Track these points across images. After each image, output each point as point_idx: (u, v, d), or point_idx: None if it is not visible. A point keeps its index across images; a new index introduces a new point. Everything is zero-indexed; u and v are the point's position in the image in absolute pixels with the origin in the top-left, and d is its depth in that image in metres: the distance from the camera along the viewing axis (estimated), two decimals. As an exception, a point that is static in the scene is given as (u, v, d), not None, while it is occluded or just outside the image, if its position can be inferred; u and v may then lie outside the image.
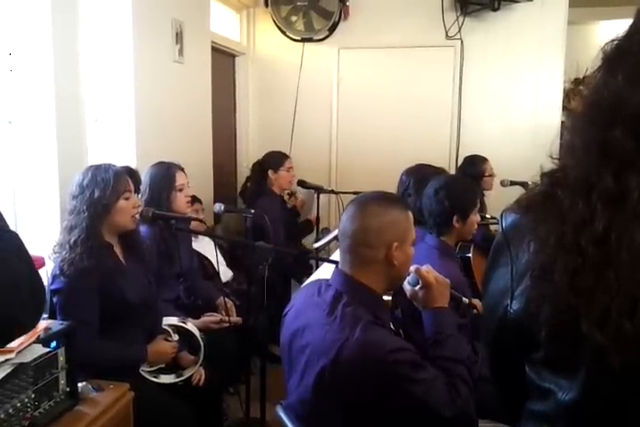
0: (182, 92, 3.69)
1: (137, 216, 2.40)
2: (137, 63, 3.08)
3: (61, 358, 1.76)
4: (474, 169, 4.05)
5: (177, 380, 2.45)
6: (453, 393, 1.51)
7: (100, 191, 2.22)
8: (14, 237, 1.15)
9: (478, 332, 1.89)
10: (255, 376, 2.66)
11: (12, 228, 1.18)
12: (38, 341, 1.67)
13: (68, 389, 1.79)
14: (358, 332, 1.47)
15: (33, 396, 1.64)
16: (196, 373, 2.51)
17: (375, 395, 1.46)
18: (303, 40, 4.91)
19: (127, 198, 2.31)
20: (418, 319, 1.79)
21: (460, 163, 4.48)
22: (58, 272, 2.17)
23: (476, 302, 2.05)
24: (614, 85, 0.81)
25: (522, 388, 0.95)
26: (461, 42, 4.68)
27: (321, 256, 3.26)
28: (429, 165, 3.21)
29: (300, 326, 1.62)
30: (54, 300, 2.18)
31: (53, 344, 1.72)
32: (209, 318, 2.84)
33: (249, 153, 5.06)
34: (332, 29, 4.82)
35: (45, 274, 2.30)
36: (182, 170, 2.95)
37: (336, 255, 1.79)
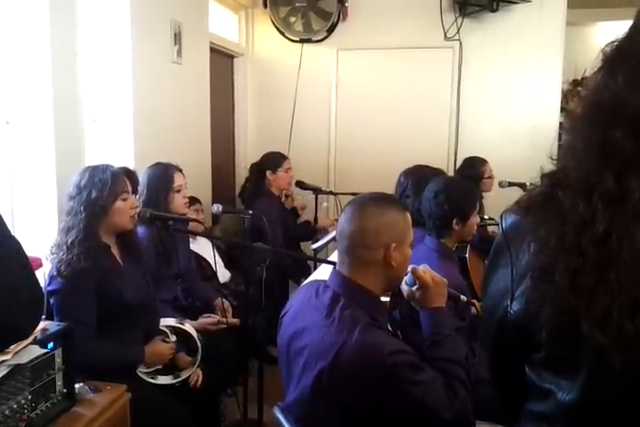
0: (180, 93, 3.69)
1: (134, 217, 2.40)
2: (135, 64, 3.08)
3: (58, 360, 1.76)
4: (473, 171, 4.05)
5: (174, 381, 2.44)
6: (451, 395, 1.51)
7: (98, 192, 2.21)
8: (14, 243, 1.15)
9: (477, 333, 1.89)
10: (253, 378, 2.66)
11: (9, 229, 1.18)
12: (35, 342, 1.67)
13: (64, 390, 1.79)
14: (357, 334, 1.46)
15: (30, 397, 1.64)
16: (194, 374, 2.50)
17: (374, 397, 1.46)
18: (302, 41, 4.91)
19: (125, 199, 2.30)
20: (416, 320, 1.79)
21: (458, 164, 4.48)
22: (55, 273, 2.16)
23: (475, 302, 2.05)
24: (614, 86, 0.81)
25: (521, 388, 0.95)
26: (460, 43, 4.68)
27: (319, 257, 3.26)
28: (428, 166, 3.21)
29: (298, 328, 1.62)
30: (51, 301, 2.17)
31: (50, 345, 1.72)
32: (206, 320, 2.83)
33: (247, 154, 5.06)
34: (331, 30, 4.82)
35: (42, 275, 2.29)
36: (180, 171, 2.95)
37: (334, 256, 1.78)
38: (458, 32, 4.65)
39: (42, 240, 2.42)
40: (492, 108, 4.74)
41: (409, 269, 1.72)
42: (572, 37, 4.92)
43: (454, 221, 2.39)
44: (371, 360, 1.44)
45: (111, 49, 3.00)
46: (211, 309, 3.00)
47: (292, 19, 4.77)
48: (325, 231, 3.96)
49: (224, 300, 2.92)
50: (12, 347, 1.58)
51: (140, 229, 2.67)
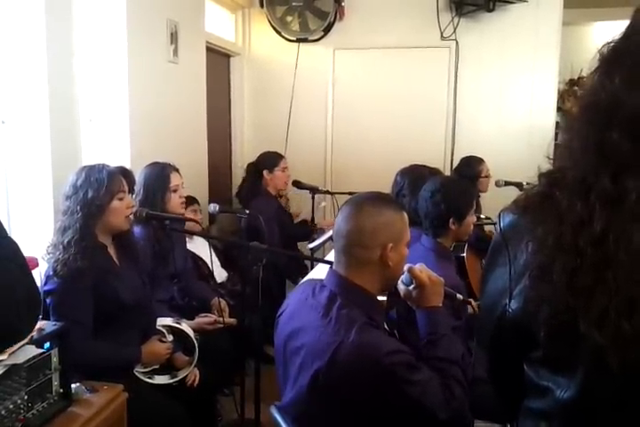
0: (177, 93, 3.69)
1: (131, 217, 2.40)
2: (131, 63, 3.08)
3: (55, 359, 1.75)
4: (470, 170, 4.05)
5: (171, 381, 2.44)
6: (448, 394, 1.51)
7: (94, 192, 2.21)
8: (11, 243, 1.15)
9: (473, 332, 1.89)
10: (250, 377, 2.65)
11: (5, 229, 1.17)
12: (31, 342, 1.67)
13: (61, 390, 1.79)
14: (353, 334, 1.46)
15: (26, 397, 1.64)
16: (191, 373, 2.50)
17: (371, 397, 1.46)
18: (298, 40, 4.90)
19: (121, 199, 2.30)
20: (413, 320, 1.79)
21: (455, 163, 4.48)
22: (51, 273, 2.16)
23: (472, 301, 2.05)
24: (611, 87, 0.82)
25: (519, 386, 0.96)
26: (456, 42, 4.69)
27: (316, 257, 3.26)
28: (424, 166, 3.22)
29: (295, 327, 1.62)
30: (48, 301, 2.16)
31: (47, 345, 1.72)
32: (203, 319, 2.83)
33: (244, 153, 5.05)
34: (328, 30, 4.82)
35: (39, 275, 2.29)
36: (177, 170, 2.95)
37: (331, 256, 1.79)
38: (454, 32, 4.65)
39: (38, 240, 2.42)
40: (488, 107, 4.75)
41: (405, 268, 1.72)
42: (568, 37, 4.94)
43: (451, 220, 2.40)
44: (367, 360, 1.44)
45: (107, 49, 3.00)
46: (207, 308, 3.00)
47: (289, 18, 4.77)
48: (322, 231, 3.96)
49: (221, 299, 2.92)
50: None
51: (137, 229, 2.67)
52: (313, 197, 4.23)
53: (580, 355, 0.82)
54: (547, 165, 0.93)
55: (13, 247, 1.15)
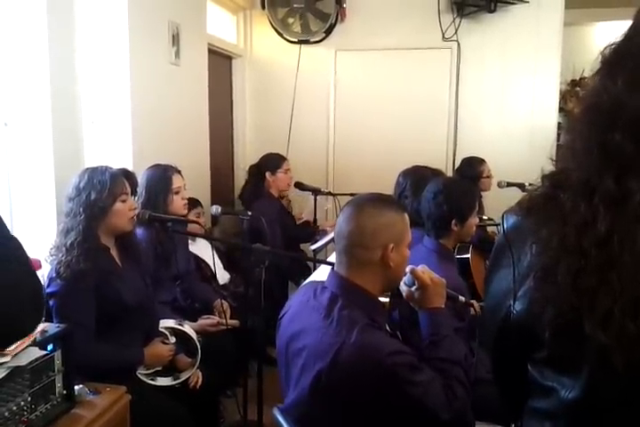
0: (179, 95, 3.69)
1: (133, 218, 2.40)
2: (133, 65, 3.08)
3: (58, 361, 1.76)
4: (471, 170, 4.05)
5: (174, 382, 2.44)
6: (450, 395, 1.51)
7: (97, 194, 2.22)
8: (15, 243, 1.15)
9: (475, 333, 1.89)
10: (252, 379, 2.65)
11: (9, 230, 1.18)
12: (34, 343, 1.67)
13: (64, 392, 1.79)
14: (355, 335, 1.46)
15: (29, 399, 1.64)
16: (193, 375, 2.50)
17: (373, 397, 1.46)
18: (300, 42, 4.91)
19: (124, 201, 2.30)
20: (415, 321, 1.79)
21: (457, 164, 4.48)
22: (54, 275, 2.16)
23: (474, 302, 2.05)
24: (613, 89, 0.82)
25: (523, 386, 0.96)
26: (458, 43, 4.69)
27: (318, 258, 3.26)
28: (426, 167, 3.22)
29: (297, 329, 1.62)
30: (51, 302, 2.17)
31: (50, 347, 1.72)
32: (206, 321, 2.83)
33: (246, 155, 5.05)
34: (329, 31, 4.82)
35: (42, 277, 2.29)
36: (179, 172, 2.95)
37: (333, 257, 1.79)
38: (456, 33, 4.65)
39: (41, 242, 2.42)
40: (490, 108, 4.75)
41: (408, 269, 1.72)
42: (569, 37, 4.93)
43: (453, 221, 2.39)
44: (370, 361, 1.45)
45: (109, 50, 3.00)
46: (210, 310, 3.00)
47: (290, 20, 4.77)
48: (324, 232, 3.96)
49: (223, 301, 2.92)
50: (12, 349, 1.58)
51: (139, 231, 2.67)
52: (315, 199, 4.23)
53: (585, 355, 0.83)
54: (549, 167, 0.93)
55: (17, 247, 1.16)
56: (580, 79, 5.64)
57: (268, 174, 4.11)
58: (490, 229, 3.71)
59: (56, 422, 1.74)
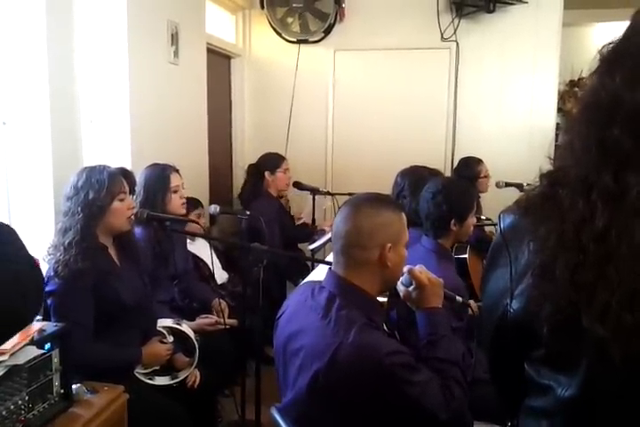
0: (177, 94, 3.69)
1: (132, 218, 2.40)
2: (132, 65, 3.08)
3: (55, 360, 1.75)
4: (469, 171, 4.06)
5: (172, 382, 2.44)
6: (448, 395, 1.51)
7: (95, 193, 2.21)
8: (10, 231, 1.16)
9: (473, 333, 1.89)
10: (250, 378, 2.65)
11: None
12: (32, 342, 1.67)
13: (62, 391, 1.79)
14: (353, 335, 1.46)
15: (27, 398, 1.64)
16: (191, 375, 2.50)
17: (370, 397, 1.46)
18: (299, 42, 4.91)
19: (122, 200, 2.30)
20: (413, 321, 1.79)
21: (455, 164, 4.48)
22: (52, 274, 2.16)
23: (472, 303, 2.05)
24: (612, 86, 0.83)
25: (520, 385, 0.97)
26: (457, 44, 4.69)
27: (316, 258, 3.26)
28: (424, 167, 3.22)
29: (294, 329, 1.62)
30: (48, 301, 2.17)
31: (47, 346, 1.72)
32: (204, 320, 2.84)
33: (245, 155, 5.05)
34: (328, 31, 4.83)
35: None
36: (177, 171, 2.95)
37: (332, 257, 1.79)
38: (454, 33, 4.65)
39: (39, 241, 2.42)
40: (488, 108, 4.75)
41: (405, 269, 1.72)
42: (568, 38, 4.94)
43: (452, 221, 2.40)
44: (367, 361, 1.44)
45: (108, 50, 3.00)
46: (208, 309, 3.00)
47: (289, 19, 4.77)
48: (323, 231, 3.96)
49: (221, 300, 2.92)
50: (9, 347, 1.58)
51: (137, 230, 2.67)
52: (313, 198, 4.23)
53: (583, 350, 0.83)
54: (547, 166, 0.93)
55: (21, 248, 1.16)
56: (579, 80, 5.65)
57: (267, 174, 4.11)
58: (488, 229, 3.71)
59: (54, 422, 1.73)
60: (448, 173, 4.45)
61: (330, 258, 2.04)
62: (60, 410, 1.77)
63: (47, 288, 2.17)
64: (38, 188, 2.72)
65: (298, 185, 4.27)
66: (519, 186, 3.68)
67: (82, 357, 1.94)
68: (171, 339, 2.47)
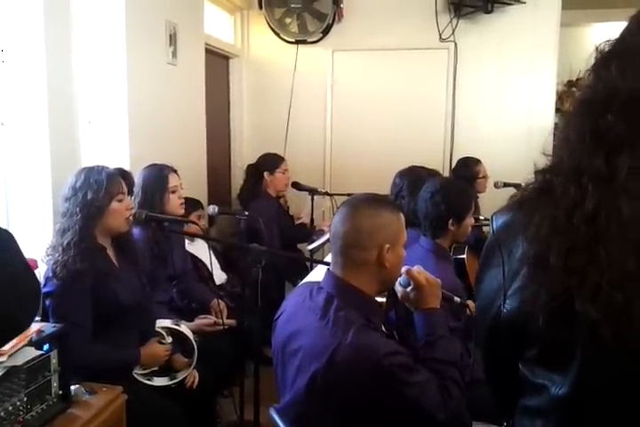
0: (176, 94, 3.69)
1: (130, 218, 2.39)
2: (130, 65, 3.08)
3: (54, 361, 1.75)
4: (467, 171, 4.06)
5: (170, 382, 2.44)
6: (445, 396, 1.51)
7: (93, 193, 2.21)
8: (8, 236, 1.16)
9: (472, 333, 1.89)
10: (249, 379, 2.65)
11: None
12: (31, 343, 1.67)
13: (60, 392, 1.78)
14: (351, 336, 1.46)
15: (25, 399, 1.64)
16: (190, 375, 2.50)
17: (368, 398, 1.46)
18: (297, 42, 4.91)
19: (120, 200, 2.30)
20: (412, 321, 1.79)
21: (453, 164, 4.49)
22: (50, 275, 2.16)
23: (470, 303, 2.05)
24: (608, 77, 0.84)
25: (515, 385, 0.97)
26: (455, 44, 4.69)
27: (315, 258, 3.26)
28: (423, 167, 3.22)
29: (293, 330, 1.62)
30: (47, 302, 2.16)
31: (46, 347, 1.72)
32: (203, 321, 2.84)
33: (243, 155, 5.05)
34: (326, 31, 4.83)
35: (38, 276, 2.28)
36: (175, 172, 2.95)
37: (330, 257, 1.79)
38: (453, 33, 4.66)
39: (37, 242, 2.42)
40: (487, 108, 4.75)
41: (403, 270, 1.72)
42: (566, 38, 4.94)
43: (450, 221, 2.40)
44: (365, 361, 1.44)
45: (106, 50, 3.00)
46: (207, 310, 3.00)
47: (288, 20, 4.77)
48: (322, 232, 3.96)
49: (220, 301, 2.92)
50: (8, 348, 1.58)
51: (136, 231, 2.67)
52: (312, 199, 4.23)
53: (578, 338, 0.84)
54: (542, 163, 0.94)
55: (10, 238, 1.16)
56: (577, 80, 5.63)
57: (266, 174, 4.12)
58: (486, 229, 3.71)
59: (52, 423, 1.73)
60: (446, 174, 4.45)
61: (328, 258, 2.04)
62: (59, 411, 1.77)
63: (45, 289, 2.17)
64: (36, 188, 2.72)
65: (296, 185, 4.27)
66: (517, 186, 3.66)
67: (80, 358, 1.94)
68: (169, 340, 2.47)
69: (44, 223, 2.70)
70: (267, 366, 2.48)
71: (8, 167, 2.72)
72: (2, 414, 1.55)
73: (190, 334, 2.54)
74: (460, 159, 4.27)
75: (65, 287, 2.15)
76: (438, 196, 2.41)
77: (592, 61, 0.88)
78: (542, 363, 0.91)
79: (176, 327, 2.52)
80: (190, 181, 3.39)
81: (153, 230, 2.80)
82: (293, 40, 4.90)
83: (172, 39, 3.57)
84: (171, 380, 2.45)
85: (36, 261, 2.31)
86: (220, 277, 3.57)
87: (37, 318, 2.08)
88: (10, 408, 1.58)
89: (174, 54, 3.60)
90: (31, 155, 2.70)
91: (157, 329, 2.48)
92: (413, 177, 3.03)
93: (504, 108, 4.72)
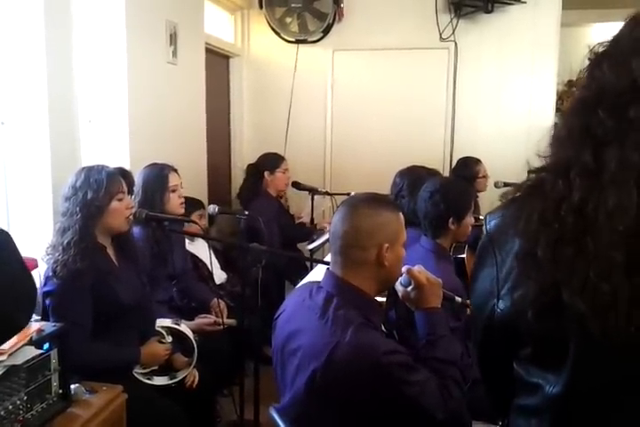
0: (176, 94, 3.69)
1: (130, 218, 2.39)
2: (130, 64, 3.08)
3: (54, 360, 1.75)
4: (467, 171, 4.06)
5: (170, 382, 2.44)
6: (445, 395, 1.51)
7: (93, 193, 2.21)
8: (5, 236, 1.16)
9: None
10: (249, 378, 2.65)
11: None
12: (31, 343, 1.67)
13: (60, 391, 1.79)
14: (350, 335, 1.47)
15: (25, 398, 1.64)
16: (190, 375, 2.50)
17: (368, 397, 1.46)
18: (297, 42, 4.91)
19: (120, 200, 2.30)
20: (412, 321, 1.79)
21: (453, 164, 4.49)
22: (51, 274, 2.16)
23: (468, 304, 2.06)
24: (600, 75, 0.85)
25: (509, 385, 0.98)
26: (455, 44, 4.69)
27: (315, 258, 3.26)
28: (423, 167, 3.22)
29: (293, 329, 1.62)
30: (47, 302, 2.17)
31: (46, 346, 1.72)
32: (202, 320, 2.84)
33: (243, 155, 5.05)
34: (327, 31, 4.83)
35: (38, 276, 2.29)
36: (175, 171, 2.95)
37: (330, 257, 1.79)
38: (453, 33, 4.66)
39: (37, 241, 2.42)
40: (487, 108, 4.75)
41: (404, 269, 1.72)
42: (566, 38, 4.93)
43: (450, 220, 2.40)
44: (364, 360, 1.45)
45: (106, 50, 3.00)
46: (207, 309, 3.00)
47: (288, 19, 4.77)
48: (322, 231, 3.96)
49: (220, 300, 2.92)
50: (7, 347, 1.58)
51: (136, 230, 2.67)
52: (312, 198, 4.23)
53: (569, 334, 0.84)
54: (536, 164, 0.95)
55: (7, 240, 1.16)
56: (577, 80, 5.65)
57: (266, 174, 4.12)
58: (486, 228, 3.71)
59: (52, 422, 1.74)
60: (446, 174, 4.45)
61: (328, 258, 2.04)
62: (59, 410, 1.77)
63: (46, 288, 2.17)
64: (37, 188, 2.72)
65: (296, 185, 4.27)
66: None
67: (80, 357, 1.94)
68: (169, 339, 2.47)
69: (44, 223, 2.70)
70: (267, 366, 2.48)
71: (8, 167, 2.72)
72: (2, 413, 1.55)
73: (190, 334, 2.54)
74: (460, 159, 4.27)
75: (65, 287, 2.15)
76: (438, 195, 2.41)
77: (586, 63, 0.90)
78: (536, 362, 0.92)
79: (176, 327, 2.52)
80: (190, 180, 3.39)
81: (153, 230, 2.80)
82: (294, 40, 4.90)
83: (173, 39, 3.57)
84: (171, 379, 2.45)
85: (36, 261, 2.31)
86: (220, 276, 3.57)
87: (37, 318, 2.09)
88: (10, 407, 1.58)
89: (174, 54, 3.60)
90: (31, 154, 2.70)
91: (157, 328, 2.48)
92: (413, 177, 3.03)
93: (504, 108, 4.72)
